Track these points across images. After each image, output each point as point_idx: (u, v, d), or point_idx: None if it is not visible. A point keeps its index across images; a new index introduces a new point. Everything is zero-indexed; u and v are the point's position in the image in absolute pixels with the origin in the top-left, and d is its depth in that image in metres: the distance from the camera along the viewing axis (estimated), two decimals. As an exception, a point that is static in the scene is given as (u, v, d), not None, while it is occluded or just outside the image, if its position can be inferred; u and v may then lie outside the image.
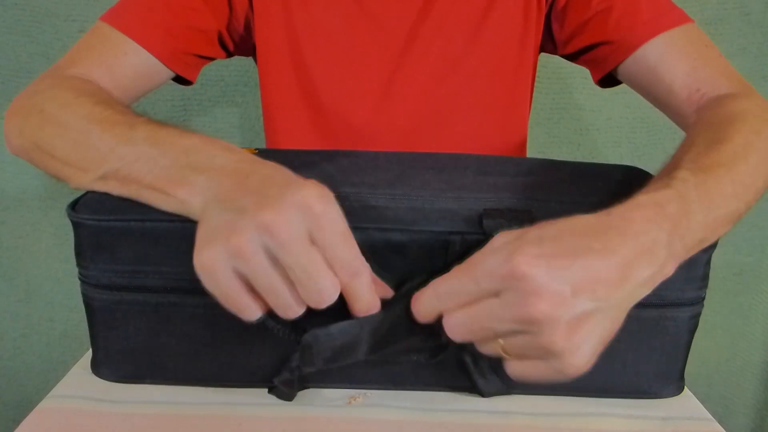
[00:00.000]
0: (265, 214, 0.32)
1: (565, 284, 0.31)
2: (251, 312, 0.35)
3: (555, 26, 0.67)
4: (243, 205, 0.33)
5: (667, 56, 0.58)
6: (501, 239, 0.34)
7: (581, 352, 0.32)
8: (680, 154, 0.42)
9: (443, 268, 0.36)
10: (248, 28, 0.68)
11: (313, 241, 0.33)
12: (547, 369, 0.33)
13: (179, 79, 0.65)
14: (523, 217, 0.42)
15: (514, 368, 0.34)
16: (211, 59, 0.67)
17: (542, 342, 0.31)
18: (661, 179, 0.39)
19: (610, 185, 0.47)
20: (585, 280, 0.31)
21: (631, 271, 0.32)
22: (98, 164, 0.41)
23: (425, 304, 0.35)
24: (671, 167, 0.40)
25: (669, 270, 0.35)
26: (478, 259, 0.33)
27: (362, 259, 0.35)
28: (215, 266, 0.33)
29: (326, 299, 0.34)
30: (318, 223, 0.33)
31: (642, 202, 0.36)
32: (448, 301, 0.34)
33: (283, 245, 0.32)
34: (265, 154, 0.51)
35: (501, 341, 0.33)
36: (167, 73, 0.62)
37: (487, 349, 0.35)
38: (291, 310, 0.35)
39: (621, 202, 0.36)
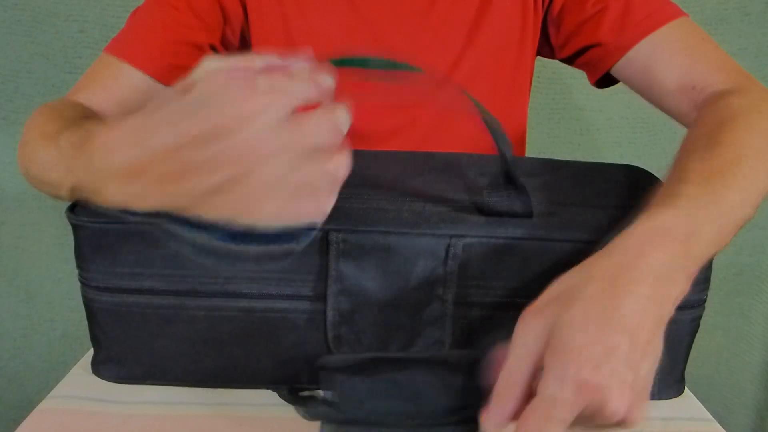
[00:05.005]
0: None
1: (627, 371, 0.30)
2: None
3: (551, 30, 0.67)
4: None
5: (660, 55, 0.57)
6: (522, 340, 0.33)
7: (642, 402, 0.31)
8: (683, 162, 0.41)
9: None
10: (244, 39, 0.68)
11: None
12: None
13: None
14: (523, 219, 0.42)
15: None
16: None
17: (614, 421, 0.31)
18: (668, 196, 0.38)
19: (612, 186, 0.47)
20: (637, 345, 0.31)
21: (659, 302, 0.32)
22: (59, 182, 0.40)
23: None
24: (676, 179, 0.39)
25: (687, 287, 0.35)
26: (538, 402, 0.31)
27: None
28: None
29: None
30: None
31: (648, 230, 0.35)
32: None
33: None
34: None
35: None
36: None
37: None
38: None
39: (621, 233, 0.35)
